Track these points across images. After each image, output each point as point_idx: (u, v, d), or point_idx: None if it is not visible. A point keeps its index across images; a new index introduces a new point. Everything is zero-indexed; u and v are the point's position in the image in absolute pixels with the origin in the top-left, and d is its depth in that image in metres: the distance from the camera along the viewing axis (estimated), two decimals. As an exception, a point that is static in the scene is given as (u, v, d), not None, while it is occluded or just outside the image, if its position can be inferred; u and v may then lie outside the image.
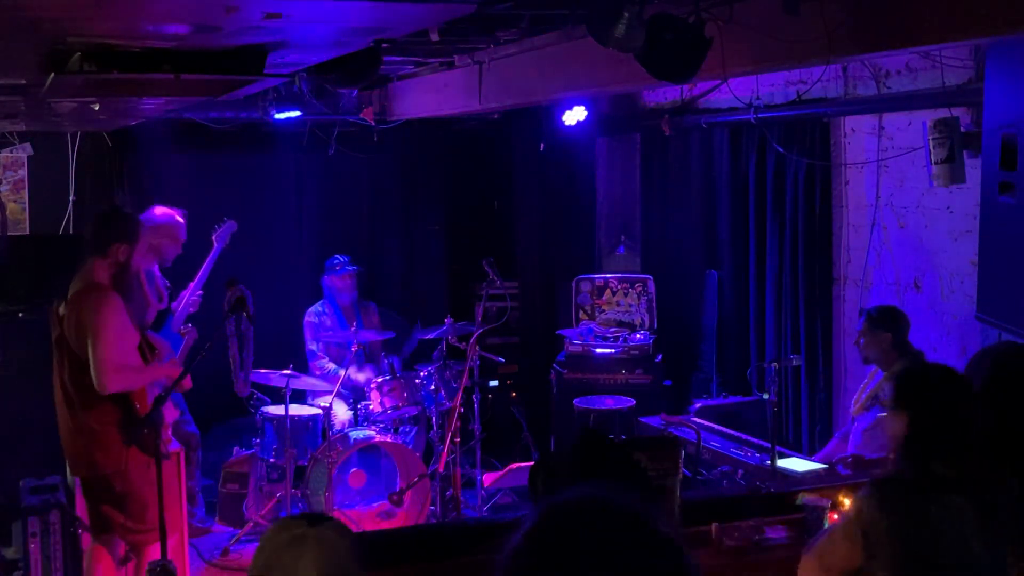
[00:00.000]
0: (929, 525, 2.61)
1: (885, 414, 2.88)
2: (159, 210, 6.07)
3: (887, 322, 4.98)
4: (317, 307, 7.07)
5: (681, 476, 3.37)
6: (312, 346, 7.00)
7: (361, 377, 6.89)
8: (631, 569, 1.39)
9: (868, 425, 5.05)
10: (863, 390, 5.24)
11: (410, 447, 6.45)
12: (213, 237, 6.42)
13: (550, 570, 1.40)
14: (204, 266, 6.33)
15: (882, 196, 5.91)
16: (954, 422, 2.73)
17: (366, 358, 7.11)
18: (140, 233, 4.65)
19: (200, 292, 6.31)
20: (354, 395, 6.76)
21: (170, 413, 4.70)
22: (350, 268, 7.00)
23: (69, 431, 4.60)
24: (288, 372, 6.24)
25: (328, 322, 7.02)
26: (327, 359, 6.98)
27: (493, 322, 6.78)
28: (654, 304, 7.49)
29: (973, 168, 4.81)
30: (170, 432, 4.79)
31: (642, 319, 7.51)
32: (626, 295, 7.58)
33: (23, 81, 4.13)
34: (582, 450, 2.59)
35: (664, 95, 7.59)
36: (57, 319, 4.56)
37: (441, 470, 6.11)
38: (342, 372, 6.65)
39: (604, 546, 1.41)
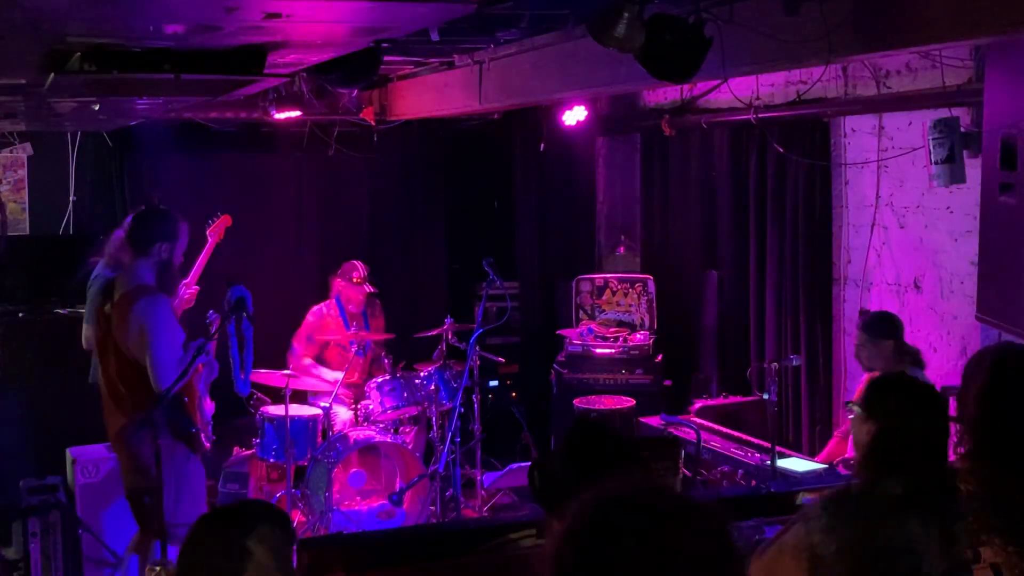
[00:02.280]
0: (878, 546, 2.56)
1: (852, 416, 2.84)
2: None
3: (888, 329, 4.97)
4: (323, 307, 7.05)
5: (681, 476, 3.37)
6: (298, 342, 6.97)
7: (330, 376, 6.85)
8: (680, 555, 1.38)
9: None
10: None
11: (410, 447, 6.46)
12: (207, 232, 6.42)
13: (598, 563, 1.39)
14: (198, 261, 6.32)
15: (882, 196, 5.91)
16: (918, 437, 2.67)
17: (367, 358, 7.12)
18: (179, 229, 4.68)
19: (196, 288, 6.31)
20: (354, 395, 6.76)
21: (209, 407, 4.74)
22: (367, 287, 6.96)
23: (117, 425, 4.66)
24: (288, 372, 6.25)
25: (332, 324, 7.01)
26: (307, 357, 6.96)
27: (493, 322, 6.78)
28: (654, 304, 7.49)
29: (973, 168, 4.81)
30: (211, 429, 4.82)
31: (642, 319, 7.51)
32: (626, 295, 7.58)
33: (23, 81, 4.13)
34: (575, 440, 2.60)
35: (664, 95, 7.59)
36: (103, 318, 4.63)
37: (441, 470, 6.11)
38: (332, 374, 6.66)
39: (652, 534, 1.39)
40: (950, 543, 2.58)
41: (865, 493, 2.65)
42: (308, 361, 6.92)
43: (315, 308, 7.03)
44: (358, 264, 7.01)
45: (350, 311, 7.01)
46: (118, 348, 4.53)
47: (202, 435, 4.66)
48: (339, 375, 6.71)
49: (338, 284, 7.01)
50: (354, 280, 6.93)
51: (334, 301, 7.05)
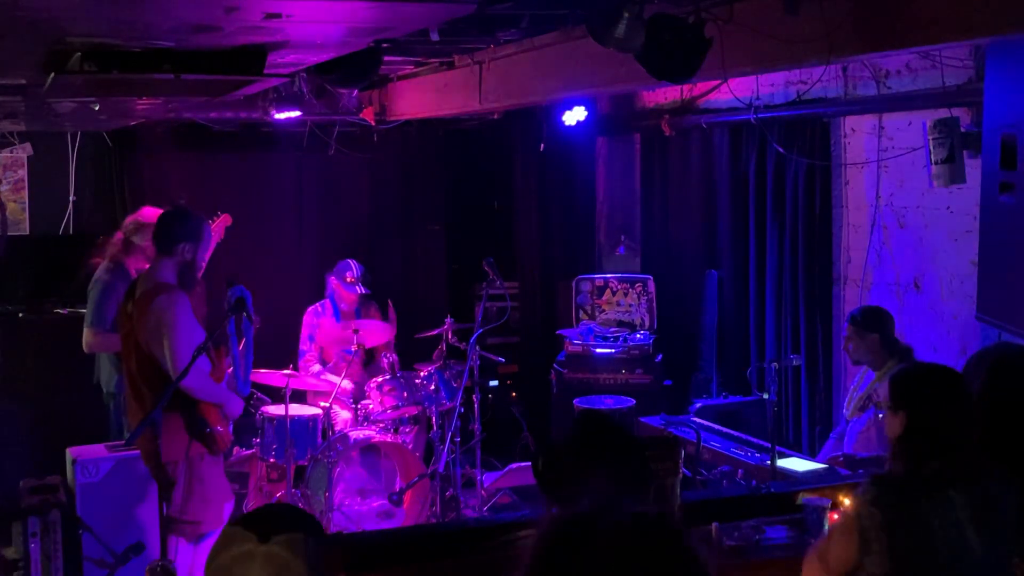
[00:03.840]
0: (923, 520, 2.63)
1: (883, 415, 2.90)
2: (148, 211, 6.06)
3: (873, 323, 4.99)
4: (317, 307, 7.07)
5: (681, 476, 3.37)
6: (304, 345, 7.00)
7: (347, 385, 6.85)
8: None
9: (863, 427, 5.05)
10: (855, 391, 5.24)
11: (410, 447, 6.46)
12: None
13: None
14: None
15: (882, 196, 5.91)
16: (949, 420, 2.75)
17: (366, 358, 7.11)
18: (203, 231, 4.72)
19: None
20: (354, 395, 6.76)
21: (238, 405, 4.75)
22: (360, 288, 6.95)
23: (137, 422, 4.68)
24: (288, 372, 6.25)
25: (326, 323, 7.02)
26: (316, 363, 6.97)
27: (493, 322, 6.78)
28: (654, 304, 7.49)
29: (973, 168, 4.81)
30: (231, 428, 4.83)
31: (642, 319, 7.51)
32: (626, 295, 7.58)
33: (23, 81, 4.13)
34: (581, 430, 2.65)
35: (664, 95, 7.59)
36: (125, 316, 4.67)
37: (441, 470, 6.11)
38: (332, 378, 6.64)
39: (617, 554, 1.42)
40: (992, 516, 2.64)
41: (908, 473, 2.72)
42: (317, 368, 6.93)
43: (311, 308, 7.06)
44: (352, 263, 7.01)
45: (343, 309, 7.02)
46: (138, 346, 4.56)
47: (217, 435, 4.66)
48: (347, 383, 6.72)
49: (332, 282, 7.02)
50: (347, 280, 6.93)
51: (328, 300, 7.06)
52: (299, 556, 1.96)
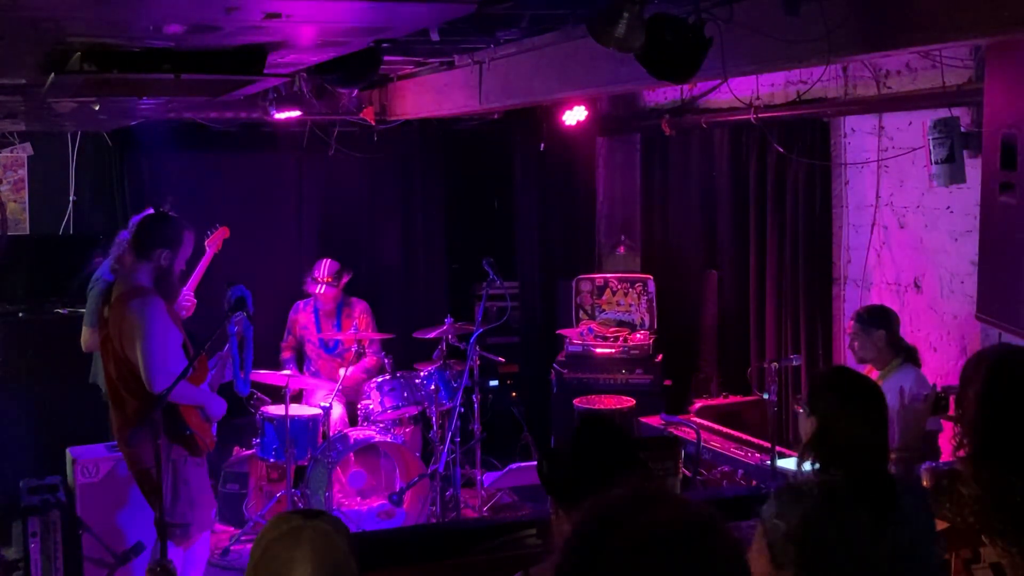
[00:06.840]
0: (827, 532, 2.57)
1: (801, 412, 2.88)
2: None
3: (879, 320, 4.99)
4: (300, 304, 7.17)
5: (681, 476, 3.37)
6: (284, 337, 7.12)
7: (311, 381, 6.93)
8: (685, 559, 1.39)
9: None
10: None
11: (410, 447, 6.46)
12: (205, 243, 6.40)
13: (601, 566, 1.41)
14: (196, 271, 6.29)
15: (882, 196, 5.91)
16: (858, 429, 2.70)
17: (355, 357, 7.13)
18: (183, 237, 4.71)
19: (194, 300, 6.28)
20: (351, 395, 6.78)
21: (220, 407, 4.74)
22: (328, 288, 6.94)
23: (117, 427, 4.71)
24: (288, 372, 6.25)
25: (301, 320, 7.06)
26: (288, 352, 7.07)
27: (493, 322, 6.78)
28: (654, 304, 7.49)
29: (973, 168, 4.81)
30: (214, 429, 4.82)
31: (642, 319, 7.51)
32: (626, 295, 7.58)
33: (23, 81, 4.13)
34: (583, 436, 2.66)
35: (664, 95, 7.59)
36: (103, 321, 4.68)
37: (441, 470, 6.12)
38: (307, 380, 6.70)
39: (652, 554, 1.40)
40: (888, 530, 2.60)
41: (809, 483, 2.68)
42: (288, 354, 7.04)
43: (296, 303, 7.12)
44: (323, 262, 7.03)
45: (320, 309, 7.05)
46: (115, 350, 4.55)
47: (197, 437, 4.64)
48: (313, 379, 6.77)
49: (307, 283, 7.04)
50: (315, 277, 6.96)
51: (312, 300, 7.09)
52: (340, 532, 2.17)
